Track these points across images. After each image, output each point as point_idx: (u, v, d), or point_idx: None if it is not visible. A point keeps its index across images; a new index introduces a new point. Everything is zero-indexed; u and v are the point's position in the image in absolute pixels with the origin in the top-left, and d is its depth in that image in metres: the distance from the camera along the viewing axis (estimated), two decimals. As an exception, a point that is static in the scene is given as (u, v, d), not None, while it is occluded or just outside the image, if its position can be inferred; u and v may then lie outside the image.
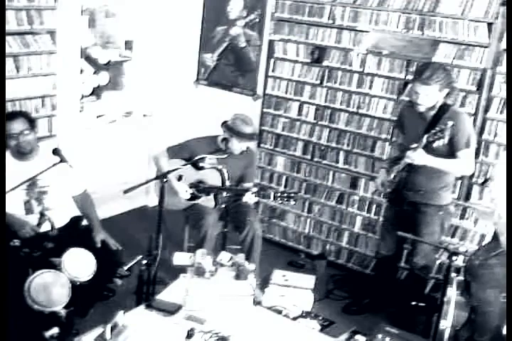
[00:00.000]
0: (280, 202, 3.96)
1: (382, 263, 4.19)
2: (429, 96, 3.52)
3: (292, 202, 3.88)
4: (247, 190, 3.96)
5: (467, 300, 3.41)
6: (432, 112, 3.59)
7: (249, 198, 3.87)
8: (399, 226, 3.80)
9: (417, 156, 3.50)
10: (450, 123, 3.39)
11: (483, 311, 3.36)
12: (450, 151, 3.57)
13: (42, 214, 3.57)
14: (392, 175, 3.79)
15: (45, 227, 3.57)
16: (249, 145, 4.22)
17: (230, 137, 4.06)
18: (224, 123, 4.10)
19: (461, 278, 3.35)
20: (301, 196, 4.85)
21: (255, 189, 3.93)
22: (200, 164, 4.05)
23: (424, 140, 3.44)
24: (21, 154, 3.58)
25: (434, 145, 3.42)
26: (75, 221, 3.84)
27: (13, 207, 3.52)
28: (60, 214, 3.72)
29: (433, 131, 3.41)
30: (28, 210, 3.61)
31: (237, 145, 4.08)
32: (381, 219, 4.41)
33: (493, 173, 3.79)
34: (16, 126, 3.52)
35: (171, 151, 4.17)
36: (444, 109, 3.58)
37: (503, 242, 3.18)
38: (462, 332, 3.47)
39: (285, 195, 3.83)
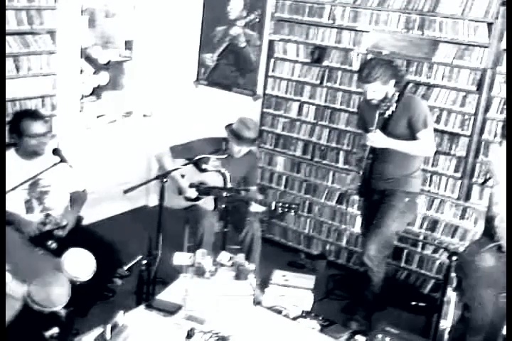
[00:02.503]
0: (281, 211, 3.95)
1: None
2: (376, 92, 3.65)
3: (292, 214, 3.91)
4: (247, 189, 3.97)
5: (459, 298, 3.40)
6: (387, 103, 3.68)
7: (258, 207, 3.95)
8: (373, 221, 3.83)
9: (376, 138, 3.62)
10: (395, 94, 3.64)
11: (475, 308, 3.34)
12: (410, 134, 3.69)
13: (47, 215, 3.59)
14: (362, 166, 3.85)
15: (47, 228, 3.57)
16: (249, 149, 4.21)
17: (231, 139, 4.06)
18: (228, 126, 4.10)
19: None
20: (301, 196, 4.87)
21: (261, 196, 3.94)
22: (204, 166, 4.04)
23: (377, 116, 3.55)
24: (32, 154, 3.59)
25: (386, 115, 3.55)
26: (75, 221, 3.83)
27: (14, 206, 3.52)
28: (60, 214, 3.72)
29: (382, 105, 3.57)
30: (29, 209, 3.62)
31: (236, 148, 4.07)
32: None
33: (496, 176, 3.77)
34: (38, 127, 3.55)
35: (174, 151, 4.15)
36: (396, 97, 3.68)
37: (504, 246, 3.17)
38: (456, 330, 3.45)
39: (286, 205, 3.84)
